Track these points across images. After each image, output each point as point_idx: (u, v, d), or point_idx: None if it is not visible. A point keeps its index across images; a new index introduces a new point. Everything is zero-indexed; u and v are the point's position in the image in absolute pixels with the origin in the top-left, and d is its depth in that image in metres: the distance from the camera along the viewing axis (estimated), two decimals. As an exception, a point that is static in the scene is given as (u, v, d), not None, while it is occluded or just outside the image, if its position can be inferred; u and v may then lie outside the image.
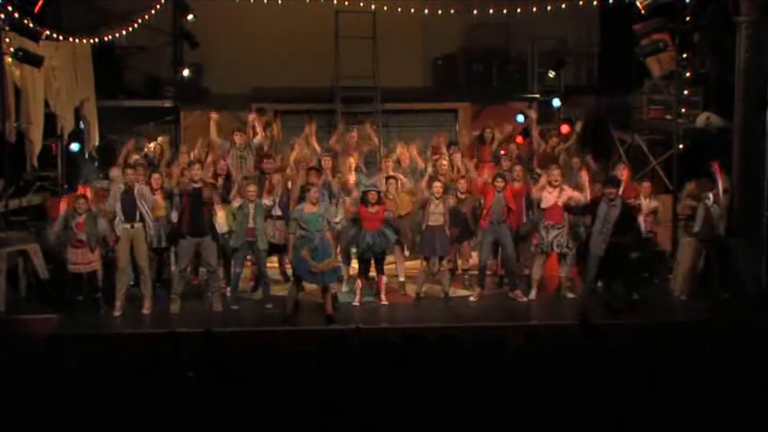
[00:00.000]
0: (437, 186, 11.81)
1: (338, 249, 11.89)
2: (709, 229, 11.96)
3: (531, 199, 12.12)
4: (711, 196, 11.98)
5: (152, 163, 12.91)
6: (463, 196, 12.06)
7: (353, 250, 12.17)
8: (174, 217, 11.61)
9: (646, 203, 12.27)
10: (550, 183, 11.91)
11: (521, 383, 6.50)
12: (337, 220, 11.86)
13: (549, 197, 11.85)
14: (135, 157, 12.59)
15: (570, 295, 11.97)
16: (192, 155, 12.93)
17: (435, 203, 11.78)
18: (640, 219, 12.14)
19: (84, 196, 11.47)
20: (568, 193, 11.85)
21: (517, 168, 12.34)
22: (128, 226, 11.31)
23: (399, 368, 6.75)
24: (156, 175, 11.86)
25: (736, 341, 7.31)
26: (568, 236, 11.86)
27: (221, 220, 11.56)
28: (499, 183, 11.79)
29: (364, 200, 11.62)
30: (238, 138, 13.05)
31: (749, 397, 6.38)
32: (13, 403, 6.44)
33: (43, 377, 6.81)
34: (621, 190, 11.94)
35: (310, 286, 11.66)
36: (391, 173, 12.65)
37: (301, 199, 11.37)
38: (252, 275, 12.41)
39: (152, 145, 13.58)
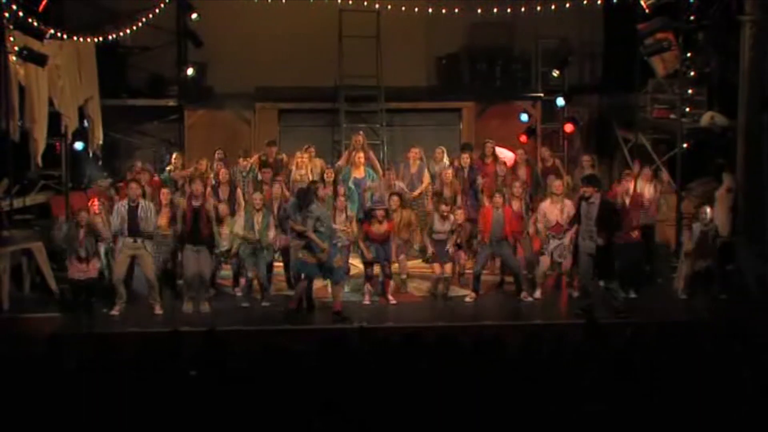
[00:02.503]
0: (443, 208, 11.95)
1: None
2: (704, 249, 11.90)
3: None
4: (708, 212, 11.92)
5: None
6: (458, 226, 12.15)
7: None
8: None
9: (649, 188, 12.26)
10: (552, 194, 11.91)
11: (522, 383, 6.50)
12: (340, 237, 11.88)
13: (551, 216, 11.84)
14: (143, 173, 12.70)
15: (575, 294, 11.98)
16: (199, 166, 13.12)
17: (440, 222, 11.94)
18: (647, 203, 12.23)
19: (86, 210, 11.52)
20: (569, 208, 11.83)
21: (517, 184, 12.34)
22: (131, 240, 11.33)
23: (401, 367, 6.75)
24: (165, 190, 11.95)
25: (737, 341, 7.30)
26: (567, 247, 11.83)
27: (225, 234, 11.64)
28: (497, 199, 11.81)
29: (370, 218, 11.64)
30: (241, 162, 13.36)
31: (750, 397, 6.38)
32: (16, 402, 6.45)
33: (46, 376, 6.82)
34: (632, 183, 11.89)
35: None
36: (394, 187, 12.73)
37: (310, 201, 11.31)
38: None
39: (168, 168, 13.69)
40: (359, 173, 13.13)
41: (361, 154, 13.25)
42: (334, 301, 11.20)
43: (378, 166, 13.87)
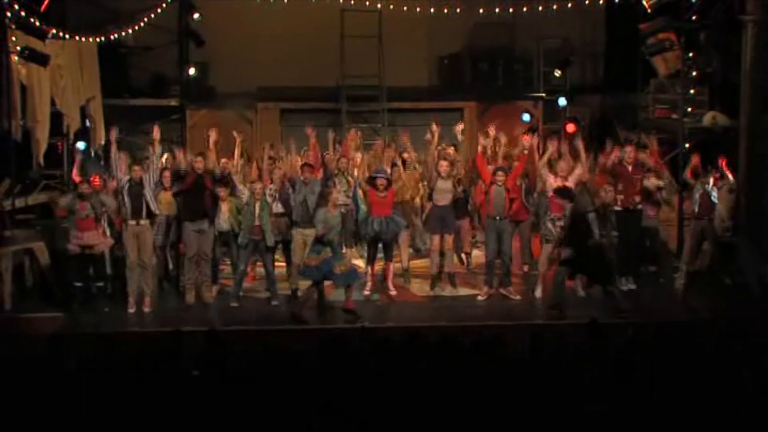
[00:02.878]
0: (443, 165, 11.90)
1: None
2: (706, 210, 11.99)
3: (529, 188, 12.25)
4: (711, 180, 11.99)
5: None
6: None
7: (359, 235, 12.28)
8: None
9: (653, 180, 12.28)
10: (555, 174, 11.92)
11: (522, 383, 6.50)
12: (340, 202, 11.91)
13: (553, 182, 11.84)
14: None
15: (581, 293, 11.99)
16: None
17: (442, 181, 11.88)
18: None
19: (89, 182, 11.55)
20: (572, 181, 11.87)
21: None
22: (134, 222, 11.37)
23: (401, 367, 6.76)
24: (166, 173, 11.94)
25: (737, 341, 7.30)
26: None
27: (224, 215, 11.66)
28: (500, 177, 11.78)
29: (373, 185, 11.64)
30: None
31: (750, 396, 6.38)
32: (17, 402, 6.46)
33: (48, 375, 6.83)
34: (630, 168, 11.96)
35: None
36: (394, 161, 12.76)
37: (319, 204, 11.35)
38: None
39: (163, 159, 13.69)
40: (357, 172, 13.09)
41: (359, 155, 13.23)
42: (347, 300, 11.19)
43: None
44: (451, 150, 12.99)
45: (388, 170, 12.29)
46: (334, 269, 10.92)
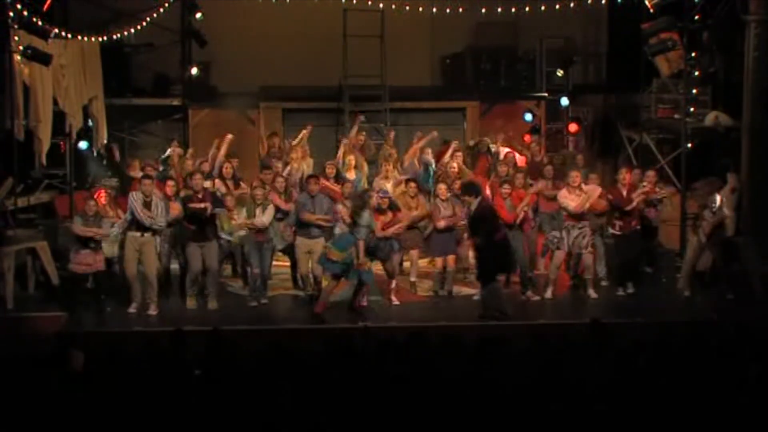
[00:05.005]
0: (442, 188, 11.95)
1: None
2: (718, 232, 11.89)
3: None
4: (717, 199, 11.90)
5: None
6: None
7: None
8: None
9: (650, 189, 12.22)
10: (568, 185, 11.87)
11: (526, 382, 6.51)
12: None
13: (571, 202, 11.79)
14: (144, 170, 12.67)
15: (594, 295, 11.96)
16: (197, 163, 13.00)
17: (443, 206, 11.91)
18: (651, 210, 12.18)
19: (94, 200, 11.52)
20: (588, 194, 11.84)
21: (519, 176, 12.37)
22: (138, 234, 11.32)
23: (404, 367, 6.76)
24: (170, 182, 11.90)
25: (742, 341, 7.30)
26: (590, 237, 11.85)
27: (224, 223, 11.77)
28: (506, 189, 11.78)
29: (377, 208, 11.65)
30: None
31: (754, 396, 6.38)
32: (20, 400, 6.47)
33: (51, 374, 6.84)
34: (625, 191, 11.93)
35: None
36: (397, 177, 12.75)
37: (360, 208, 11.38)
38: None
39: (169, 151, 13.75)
40: (350, 174, 13.14)
41: (352, 157, 13.29)
42: (360, 300, 11.25)
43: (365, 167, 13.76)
44: (455, 165, 12.94)
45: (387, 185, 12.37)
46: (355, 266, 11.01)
